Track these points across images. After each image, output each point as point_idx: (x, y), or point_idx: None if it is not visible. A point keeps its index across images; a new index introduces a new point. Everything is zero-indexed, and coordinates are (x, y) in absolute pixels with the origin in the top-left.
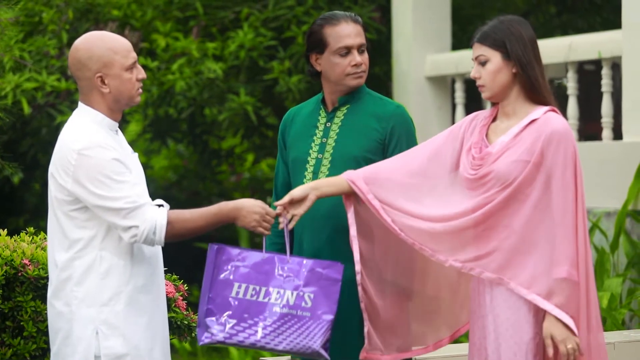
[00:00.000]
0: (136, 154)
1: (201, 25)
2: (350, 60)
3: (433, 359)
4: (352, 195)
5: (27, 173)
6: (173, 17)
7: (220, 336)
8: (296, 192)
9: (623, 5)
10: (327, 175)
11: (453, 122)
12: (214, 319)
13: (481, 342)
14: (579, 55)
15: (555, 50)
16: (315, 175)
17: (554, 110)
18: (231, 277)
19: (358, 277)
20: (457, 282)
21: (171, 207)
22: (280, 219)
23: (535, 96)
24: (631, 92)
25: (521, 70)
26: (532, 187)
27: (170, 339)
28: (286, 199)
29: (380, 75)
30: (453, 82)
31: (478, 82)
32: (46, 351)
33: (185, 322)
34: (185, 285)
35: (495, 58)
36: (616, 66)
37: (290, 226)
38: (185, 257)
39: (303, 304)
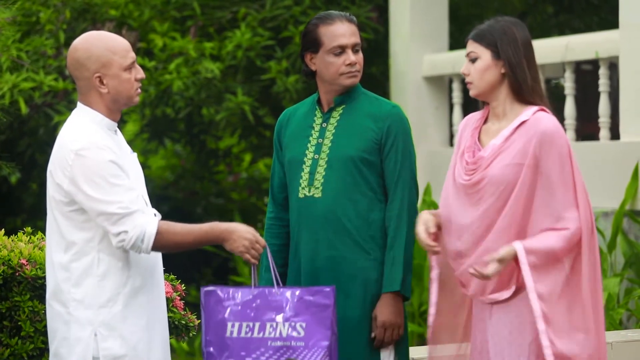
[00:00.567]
0: (135, 154)
1: (198, 25)
2: (344, 59)
3: (434, 359)
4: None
5: (24, 173)
6: (170, 17)
7: None
8: None
9: (620, 5)
10: (324, 176)
11: (450, 122)
12: None
13: (483, 345)
14: (576, 55)
15: (553, 50)
16: (311, 176)
17: (543, 110)
18: (225, 316)
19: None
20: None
21: (169, 207)
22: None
23: (523, 97)
24: (628, 92)
25: (510, 71)
26: (530, 189)
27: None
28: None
29: (377, 75)
30: (450, 82)
31: (467, 79)
32: (44, 351)
33: (183, 322)
34: (183, 285)
35: (485, 56)
36: (613, 66)
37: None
38: (182, 257)
39: (295, 334)
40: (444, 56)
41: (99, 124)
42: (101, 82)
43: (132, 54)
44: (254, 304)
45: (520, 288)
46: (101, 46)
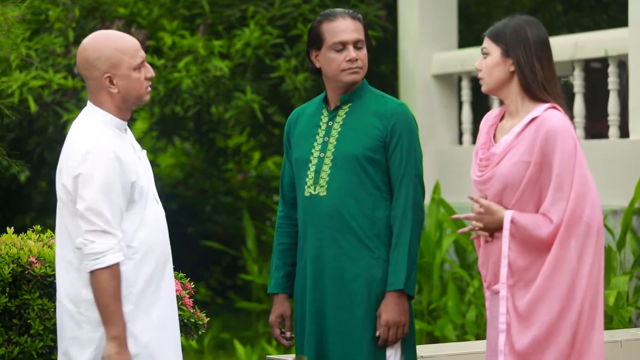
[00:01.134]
0: (144, 152)
1: (207, 24)
2: (345, 55)
3: (440, 356)
4: None
5: (33, 171)
6: (179, 15)
7: None
8: None
9: (629, 3)
10: (329, 174)
11: (459, 120)
12: None
13: (496, 342)
14: (586, 53)
15: (562, 48)
16: (317, 174)
17: (554, 107)
18: None
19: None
20: None
21: (178, 205)
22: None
23: (534, 95)
24: (638, 89)
25: (518, 70)
26: (537, 187)
27: None
28: None
29: (386, 73)
30: (459, 80)
31: (478, 75)
32: (53, 349)
33: (192, 320)
34: (192, 283)
35: (495, 53)
36: (622, 64)
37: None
38: (192, 255)
39: None
40: (452, 54)
41: (108, 124)
42: (111, 82)
43: (142, 53)
44: None
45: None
46: (111, 46)
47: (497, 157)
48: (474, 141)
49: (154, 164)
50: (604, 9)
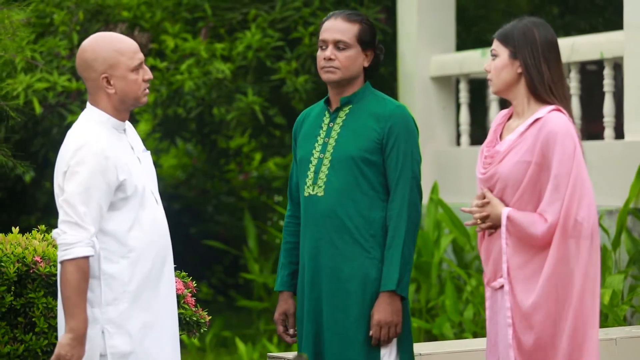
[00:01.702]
0: (148, 152)
1: (209, 27)
2: (324, 54)
3: (438, 354)
4: None
5: (38, 172)
6: (182, 18)
7: None
8: None
9: (625, 6)
10: (327, 175)
11: (457, 122)
12: None
13: (495, 338)
14: (582, 55)
15: None
16: (315, 175)
17: (558, 110)
18: None
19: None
20: None
21: (181, 205)
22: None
23: (540, 97)
24: (633, 91)
25: (525, 71)
26: (537, 187)
27: (180, 335)
28: None
29: (385, 75)
30: (457, 82)
31: (487, 76)
32: None
33: (194, 319)
34: (194, 282)
35: (503, 55)
36: (618, 66)
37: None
38: (194, 254)
39: None
40: (451, 57)
41: (104, 124)
42: (108, 82)
43: (140, 55)
44: None
45: None
46: (108, 47)
47: (500, 155)
48: (471, 142)
49: (156, 164)
50: (599, 12)
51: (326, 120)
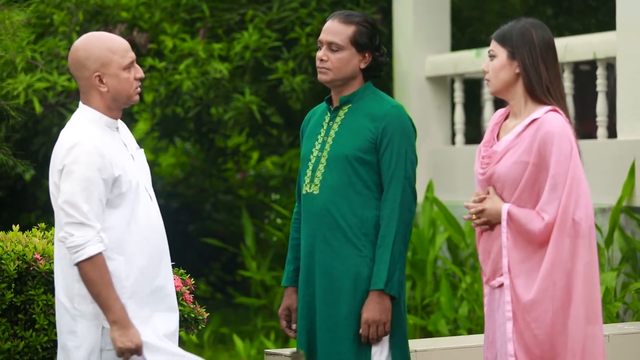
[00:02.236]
0: (142, 150)
1: (207, 27)
2: (317, 54)
3: (433, 350)
4: None
5: (38, 170)
6: (180, 18)
7: None
8: None
9: (617, 7)
10: (323, 173)
11: (452, 121)
12: None
13: (493, 335)
14: (575, 56)
15: None
16: (313, 173)
17: (555, 110)
18: None
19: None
20: None
21: (179, 204)
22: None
23: (537, 97)
24: (625, 91)
25: (523, 72)
26: (536, 187)
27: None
28: None
29: (381, 75)
30: (452, 82)
31: (485, 76)
32: (57, 343)
33: (192, 315)
34: (192, 279)
35: (501, 55)
36: (611, 66)
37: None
38: (192, 252)
39: None
40: (446, 57)
41: (97, 122)
42: (101, 81)
43: (132, 54)
44: None
45: None
46: (101, 46)
47: (498, 156)
48: (466, 141)
49: (155, 163)
50: (592, 13)
51: (327, 119)
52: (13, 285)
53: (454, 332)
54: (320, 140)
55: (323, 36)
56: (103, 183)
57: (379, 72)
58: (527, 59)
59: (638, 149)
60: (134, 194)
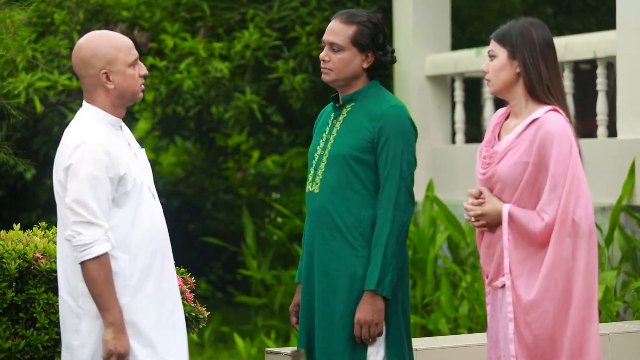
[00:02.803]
0: (143, 150)
1: (208, 26)
2: (320, 55)
3: (434, 349)
4: None
5: (39, 169)
6: (181, 18)
7: None
8: None
9: (617, 6)
10: (324, 172)
11: (452, 120)
12: None
13: (496, 335)
14: (575, 55)
15: None
16: (315, 171)
17: (555, 110)
18: None
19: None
20: None
21: (179, 203)
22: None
23: (537, 97)
24: (625, 90)
25: (524, 71)
26: (536, 187)
27: None
28: None
29: (387, 74)
30: (452, 81)
31: (486, 77)
32: (58, 342)
33: (193, 314)
34: (193, 278)
35: (501, 55)
36: (611, 65)
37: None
38: (192, 251)
39: None
40: (446, 56)
41: (101, 121)
42: (107, 78)
43: (135, 51)
44: None
45: None
46: (106, 44)
47: (499, 156)
48: (466, 140)
49: (156, 162)
50: (592, 12)
51: (332, 117)
52: (14, 284)
53: (454, 331)
54: (324, 139)
55: (325, 36)
56: (109, 182)
57: (384, 72)
58: (528, 58)
59: (638, 148)
60: (138, 192)
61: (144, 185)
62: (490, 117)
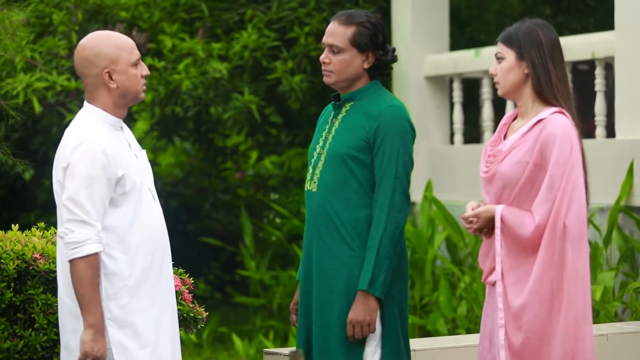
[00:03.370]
0: (144, 151)
1: (206, 27)
2: (321, 57)
3: (432, 350)
4: None
5: (38, 170)
6: (179, 18)
7: None
8: None
9: (616, 7)
10: (321, 170)
11: (451, 121)
12: None
13: (491, 333)
14: (573, 55)
15: None
16: (313, 170)
17: (561, 112)
18: None
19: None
20: None
21: (178, 203)
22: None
23: (545, 98)
24: (624, 91)
25: (532, 72)
26: (535, 187)
27: None
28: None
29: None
30: (451, 81)
31: (494, 79)
32: (56, 342)
33: (191, 315)
34: (191, 278)
35: (509, 57)
36: (609, 66)
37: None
38: (191, 251)
39: None
40: (444, 56)
41: (102, 121)
42: (110, 77)
43: (137, 51)
44: None
45: None
46: (108, 43)
47: (502, 154)
48: (465, 141)
49: (154, 163)
50: (591, 13)
51: (332, 116)
52: (12, 284)
53: (452, 332)
54: (323, 137)
55: (324, 38)
56: (107, 182)
57: (386, 71)
58: (536, 59)
59: (636, 149)
60: (138, 193)
61: (143, 186)
62: (489, 117)
